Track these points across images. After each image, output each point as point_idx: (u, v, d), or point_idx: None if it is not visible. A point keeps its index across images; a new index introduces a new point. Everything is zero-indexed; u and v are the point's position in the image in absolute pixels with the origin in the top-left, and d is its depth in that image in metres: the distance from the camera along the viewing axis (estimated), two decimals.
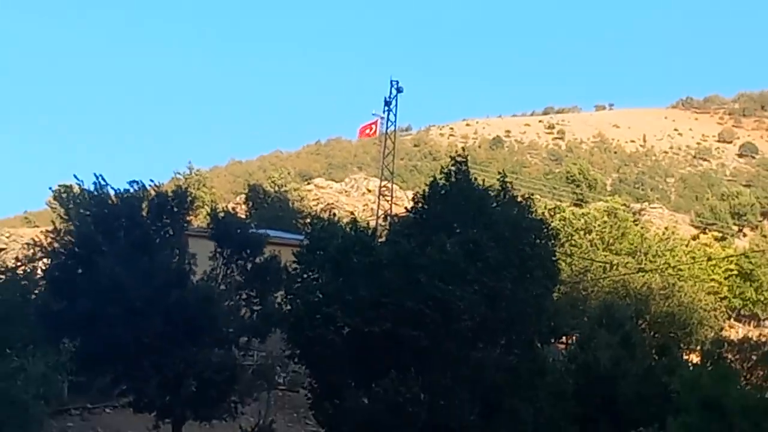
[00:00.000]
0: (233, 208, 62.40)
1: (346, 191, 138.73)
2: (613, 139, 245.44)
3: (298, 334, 39.02)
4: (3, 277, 41.87)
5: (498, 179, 45.16)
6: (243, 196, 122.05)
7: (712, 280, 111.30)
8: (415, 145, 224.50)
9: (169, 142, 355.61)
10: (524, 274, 40.71)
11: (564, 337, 67.88)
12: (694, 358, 73.34)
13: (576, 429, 43.03)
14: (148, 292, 36.77)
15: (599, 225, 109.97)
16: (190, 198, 41.87)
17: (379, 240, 43.78)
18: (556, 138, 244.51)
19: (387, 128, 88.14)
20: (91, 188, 39.34)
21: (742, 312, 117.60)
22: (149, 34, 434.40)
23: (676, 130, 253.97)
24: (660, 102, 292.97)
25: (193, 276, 39.44)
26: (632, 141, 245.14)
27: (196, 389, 36.84)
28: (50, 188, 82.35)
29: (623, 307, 69.45)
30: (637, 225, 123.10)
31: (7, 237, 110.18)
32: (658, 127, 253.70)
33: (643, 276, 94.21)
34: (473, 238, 39.43)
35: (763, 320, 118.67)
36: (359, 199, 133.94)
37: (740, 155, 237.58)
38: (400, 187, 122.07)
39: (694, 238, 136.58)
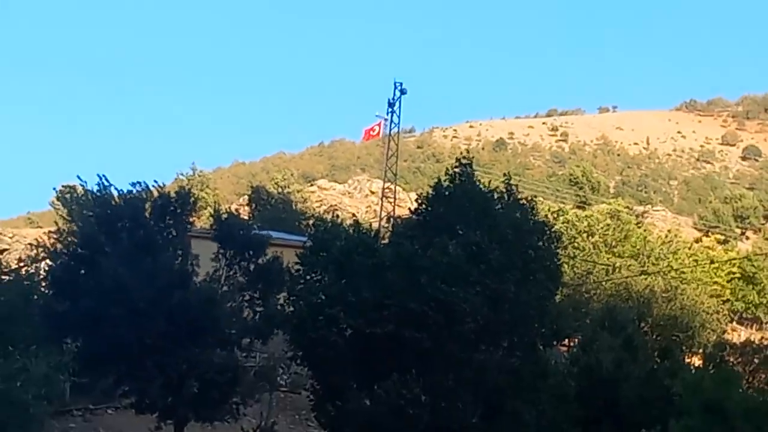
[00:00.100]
0: (236, 210, 62.52)
1: (349, 193, 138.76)
2: (616, 141, 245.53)
3: (300, 336, 39.02)
4: (6, 277, 41.84)
5: (503, 181, 45.19)
6: (246, 197, 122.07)
7: (715, 283, 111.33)
8: (419, 147, 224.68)
9: (172, 143, 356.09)
10: (527, 276, 40.71)
11: (566, 340, 67.92)
12: (697, 361, 73.28)
13: (578, 431, 43.03)
14: (151, 293, 36.79)
15: (602, 227, 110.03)
16: (193, 199, 41.90)
17: (382, 242, 43.82)
18: (560, 140, 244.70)
19: (390, 130, 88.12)
20: (95, 189, 39.40)
21: (744, 315, 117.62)
22: (152, 34, 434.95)
23: (679, 132, 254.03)
24: (663, 104, 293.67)
25: (195, 277, 39.46)
26: (635, 143, 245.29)
27: (199, 390, 36.86)
28: (54, 189, 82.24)
29: (626, 310, 69.46)
30: (640, 227, 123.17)
31: (11, 237, 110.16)
32: (662, 129, 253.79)
33: (645, 279, 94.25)
34: (476, 240, 39.43)
35: (766, 323, 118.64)
36: (362, 200, 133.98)
37: (743, 158, 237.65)
38: (403, 189, 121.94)
39: (697, 240, 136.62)
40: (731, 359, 65.96)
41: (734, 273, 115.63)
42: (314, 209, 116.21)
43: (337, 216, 54.53)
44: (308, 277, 40.65)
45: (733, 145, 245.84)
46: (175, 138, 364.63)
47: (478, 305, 37.77)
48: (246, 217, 77.34)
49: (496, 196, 43.79)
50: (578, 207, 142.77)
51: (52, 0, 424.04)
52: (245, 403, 39.53)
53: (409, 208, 46.40)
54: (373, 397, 36.92)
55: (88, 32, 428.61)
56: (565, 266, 74.96)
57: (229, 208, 72.29)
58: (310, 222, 62.60)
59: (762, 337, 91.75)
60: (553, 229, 46.38)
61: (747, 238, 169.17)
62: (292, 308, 40.22)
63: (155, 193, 40.50)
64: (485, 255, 39.05)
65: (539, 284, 41.66)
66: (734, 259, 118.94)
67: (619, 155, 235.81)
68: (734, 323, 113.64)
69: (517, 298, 39.83)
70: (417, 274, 37.51)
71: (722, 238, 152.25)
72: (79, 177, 41.10)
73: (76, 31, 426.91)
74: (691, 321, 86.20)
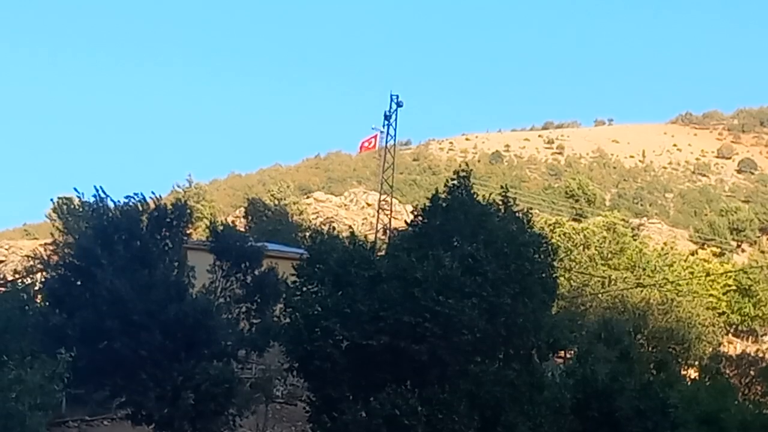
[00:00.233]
0: (232, 222, 62.73)
1: (345, 205, 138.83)
2: (612, 154, 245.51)
3: (296, 348, 39.02)
4: (2, 289, 41.93)
5: (500, 193, 45.28)
6: (242, 209, 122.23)
7: (711, 295, 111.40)
8: (415, 160, 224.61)
9: (168, 154, 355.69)
10: (523, 288, 40.71)
11: (562, 352, 67.95)
12: (693, 374, 73.62)
13: None
14: (147, 305, 36.83)
15: (598, 240, 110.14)
16: (189, 211, 41.99)
17: (379, 254, 43.83)
18: (556, 153, 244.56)
19: (386, 142, 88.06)
20: (91, 200, 39.45)
21: (740, 327, 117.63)
22: (149, 46, 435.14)
23: (675, 145, 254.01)
24: (659, 117, 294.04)
25: (191, 289, 39.49)
26: (631, 156, 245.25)
27: (195, 402, 36.86)
28: (51, 200, 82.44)
29: (621, 322, 69.71)
30: (635, 240, 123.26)
31: (7, 249, 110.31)
32: (658, 142, 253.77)
33: (641, 291, 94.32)
34: (472, 252, 39.48)
35: (762, 336, 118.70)
36: (358, 212, 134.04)
37: (739, 171, 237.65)
38: (400, 201, 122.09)
39: (693, 253, 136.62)
40: (727, 371, 66.26)
41: (730, 285, 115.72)
42: (310, 221, 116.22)
43: (334, 228, 54.62)
44: (305, 289, 40.70)
45: (729, 158, 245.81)
46: (172, 150, 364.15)
47: (474, 317, 37.79)
48: (242, 229, 77.53)
49: (492, 209, 43.85)
50: (574, 219, 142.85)
51: (49, 10, 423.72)
52: (241, 415, 39.56)
53: (405, 221, 46.46)
54: (369, 409, 36.93)
55: (85, 42, 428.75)
56: (561, 278, 75.05)
57: (226, 220, 72.53)
58: (307, 234, 62.63)
59: (758, 350, 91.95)
60: (549, 242, 46.43)
61: (743, 250, 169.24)
62: (288, 320, 40.26)
63: (152, 205, 40.58)
64: (481, 267, 39.08)
65: (535, 296, 41.66)
66: (730, 271, 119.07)
67: (614, 168, 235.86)
68: (730, 336, 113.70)
69: (513, 310, 39.86)
70: (413, 287, 37.55)
71: (718, 250, 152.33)
72: (75, 189, 41.25)
73: (73, 41, 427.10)
74: (687, 333, 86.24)
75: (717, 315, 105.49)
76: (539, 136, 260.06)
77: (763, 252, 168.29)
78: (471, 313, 37.60)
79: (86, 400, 42.24)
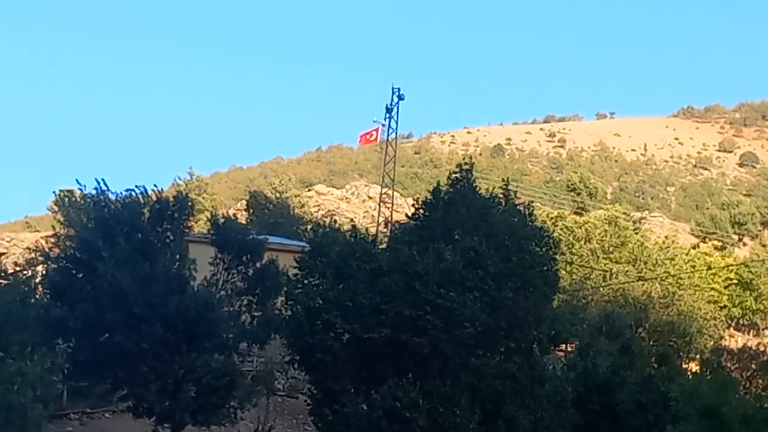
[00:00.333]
0: (234, 215, 62.71)
1: (346, 198, 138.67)
2: (613, 147, 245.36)
3: (298, 340, 39.02)
4: (3, 281, 41.87)
5: (501, 187, 45.29)
6: (244, 202, 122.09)
7: (712, 289, 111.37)
8: (416, 153, 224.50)
9: (170, 147, 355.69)
10: (524, 282, 40.72)
11: (564, 345, 67.98)
12: (694, 367, 73.53)
13: None
14: (148, 298, 36.80)
15: (599, 233, 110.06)
16: (190, 204, 41.97)
17: (380, 247, 43.83)
18: (557, 146, 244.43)
19: (388, 135, 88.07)
20: (93, 193, 39.42)
21: (741, 321, 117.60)
22: (149, 37, 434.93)
23: (677, 139, 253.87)
24: (661, 111, 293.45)
25: (193, 281, 39.47)
26: (633, 150, 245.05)
27: (196, 395, 36.84)
28: (53, 192, 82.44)
29: (623, 316, 69.69)
30: (637, 233, 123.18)
31: (8, 242, 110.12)
32: (659, 136, 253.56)
33: (642, 284, 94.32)
34: (474, 246, 39.46)
35: (763, 329, 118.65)
36: (360, 205, 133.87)
37: (741, 165, 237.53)
38: (401, 195, 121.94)
39: (694, 247, 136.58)
40: (728, 365, 66.14)
41: (731, 279, 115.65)
42: (312, 214, 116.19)
43: (335, 221, 54.66)
44: (306, 282, 40.68)
45: (731, 151, 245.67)
46: (173, 143, 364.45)
47: (476, 311, 37.77)
48: (243, 222, 77.49)
49: (494, 202, 43.85)
50: (576, 213, 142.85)
51: (52, 6, 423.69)
52: (242, 408, 39.50)
53: (407, 214, 46.45)
54: (370, 402, 36.94)
55: (87, 38, 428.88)
56: (563, 272, 75.16)
57: (227, 212, 72.47)
58: (308, 227, 62.61)
59: (759, 343, 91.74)
60: (550, 235, 46.43)
61: (744, 244, 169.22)
62: (289, 313, 40.25)
63: (153, 198, 40.55)
64: (483, 261, 39.08)
65: (536, 290, 41.69)
66: (731, 265, 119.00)
67: (616, 161, 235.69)
68: (731, 329, 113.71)
69: (515, 303, 39.87)
70: (414, 280, 37.53)
71: (719, 244, 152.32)
72: (77, 181, 41.15)
73: (75, 37, 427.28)
74: (689, 327, 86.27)
75: (718, 308, 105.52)
76: (541, 129, 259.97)
77: (764, 245, 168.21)
78: (472, 307, 37.59)
79: (87, 393, 42.20)
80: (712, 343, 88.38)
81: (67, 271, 38.89)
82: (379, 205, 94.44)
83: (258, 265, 42.25)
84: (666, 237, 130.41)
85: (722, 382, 45.78)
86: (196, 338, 37.93)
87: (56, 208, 79.02)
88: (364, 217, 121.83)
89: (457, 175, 43.93)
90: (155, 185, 41.40)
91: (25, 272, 46.47)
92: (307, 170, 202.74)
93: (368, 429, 36.73)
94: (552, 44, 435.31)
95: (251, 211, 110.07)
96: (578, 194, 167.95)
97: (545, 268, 43.26)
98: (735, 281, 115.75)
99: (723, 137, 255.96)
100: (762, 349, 77.40)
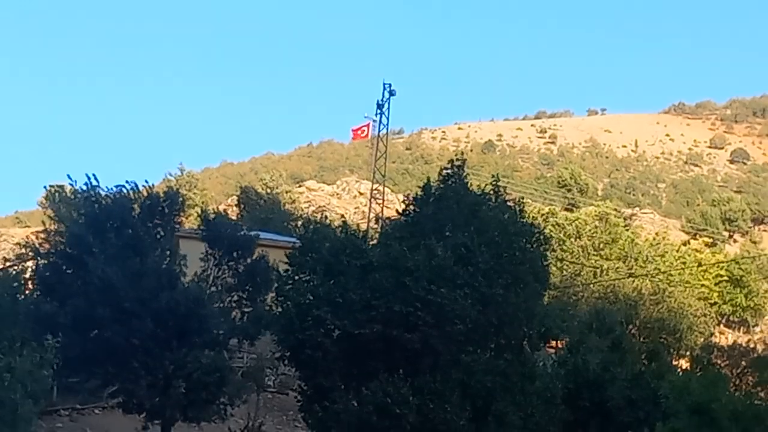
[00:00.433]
0: (224, 210, 62.56)
1: (337, 194, 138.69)
2: (604, 143, 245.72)
3: (288, 337, 38.99)
4: None
5: (491, 182, 45.26)
6: (234, 197, 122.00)
7: (703, 285, 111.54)
8: (407, 149, 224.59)
9: (160, 143, 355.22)
10: (515, 278, 40.72)
11: (554, 342, 68.05)
12: (684, 364, 73.67)
13: None
14: (139, 294, 36.77)
15: (590, 230, 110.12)
16: (181, 199, 41.94)
17: (371, 243, 43.81)
18: (548, 142, 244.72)
19: (379, 131, 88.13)
20: (83, 188, 39.35)
21: (731, 318, 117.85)
22: (139, 34, 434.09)
23: (667, 135, 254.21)
24: (652, 107, 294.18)
25: (183, 277, 39.44)
26: (624, 146, 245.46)
27: (186, 391, 36.85)
28: (44, 187, 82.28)
29: (613, 312, 69.71)
30: (627, 230, 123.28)
31: None
32: (650, 132, 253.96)
33: (633, 281, 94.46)
34: (464, 242, 39.46)
35: (753, 326, 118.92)
36: (351, 201, 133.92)
37: (732, 161, 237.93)
38: (392, 191, 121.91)
39: (685, 243, 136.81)
40: (719, 362, 66.32)
41: (722, 276, 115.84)
42: (303, 210, 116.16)
43: (326, 217, 54.64)
44: (296, 278, 40.64)
45: (722, 148, 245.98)
46: (164, 138, 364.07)
47: (467, 307, 37.77)
48: (234, 218, 77.37)
49: (485, 198, 43.84)
50: (566, 209, 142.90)
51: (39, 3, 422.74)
52: (232, 404, 39.50)
53: (398, 210, 46.43)
54: (361, 398, 36.94)
55: (75, 31, 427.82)
56: (553, 268, 75.10)
57: (218, 208, 72.33)
58: (299, 223, 62.63)
59: (749, 340, 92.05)
60: (541, 231, 46.43)
61: (735, 241, 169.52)
62: (280, 309, 40.22)
63: (144, 193, 40.49)
64: (474, 257, 39.08)
65: (527, 286, 41.67)
66: (722, 262, 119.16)
67: (607, 158, 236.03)
68: (722, 326, 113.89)
69: (505, 300, 39.86)
70: (405, 276, 37.52)
71: (710, 241, 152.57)
72: (69, 176, 41.07)
73: (63, 30, 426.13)
74: (679, 323, 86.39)
75: (709, 305, 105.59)
76: (532, 125, 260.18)
77: (754, 242, 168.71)
78: (463, 303, 37.58)
79: (77, 389, 42.13)
80: (702, 339, 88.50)
81: (58, 267, 38.84)
82: (369, 200, 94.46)
83: (248, 260, 42.20)
84: (657, 233, 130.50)
85: (712, 379, 45.87)
86: (187, 334, 37.92)
87: (46, 204, 78.84)
88: (354, 213, 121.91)
89: (449, 171, 43.93)
90: (146, 181, 41.33)
91: (15, 268, 46.36)
92: (297, 166, 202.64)
93: (358, 425, 36.73)
94: (542, 40, 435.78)
95: (242, 206, 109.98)
96: (569, 190, 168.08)
97: (536, 264, 43.25)
98: (725, 278, 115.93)
99: (714, 134, 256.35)
100: (752, 345, 77.62)
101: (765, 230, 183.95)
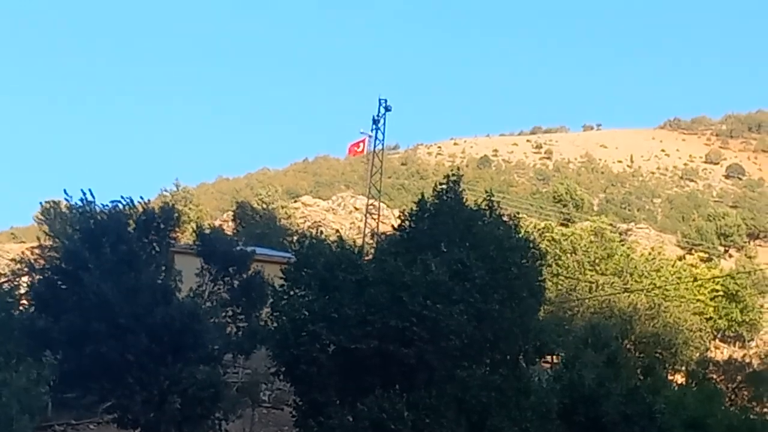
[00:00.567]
0: (220, 226, 62.67)
1: (333, 209, 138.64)
2: (600, 159, 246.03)
3: (283, 352, 38.98)
4: None
5: (485, 198, 45.31)
6: (230, 213, 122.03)
7: (698, 300, 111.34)
8: (403, 164, 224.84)
9: (156, 159, 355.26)
10: (510, 293, 40.76)
11: (550, 357, 67.96)
12: (680, 379, 73.70)
13: None
14: (134, 309, 36.76)
15: (585, 245, 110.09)
16: (176, 215, 41.98)
17: (366, 258, 43.84)
18: (544, 157, 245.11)
19: (375, 147, 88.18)
20: (79, 204, 39.38)
21: (727, 333, 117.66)
22: (138, 49, 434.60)
23: (663, 150, 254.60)
24: (648, 123, 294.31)
25: (179, 293, 39.45)
26: (619, 161, 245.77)
27: (181, 406, 36.80)
28: (40, 203, 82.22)
29: (609, 327, 69.62)
30: (623, 245, 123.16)
31: None
32: (646, 147, 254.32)
33: (628, 296, 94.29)
34: (460, 257, 39.50)
35: (749, 341, 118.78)
36: (346, 217, 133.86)
37: (727, 176, 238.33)
38: (388, 206, 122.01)
39: (680, 258, 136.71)
40: (714, 377, 66.35)
41: (717, 291, 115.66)
42: (298, 225, 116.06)
43: (321, 232, 54.49)
44: (292, 293, 40.64)
45: (717, 163, 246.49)
46: (160, 153, 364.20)
47: (462, 322, 37.80)
48: (230, 233, 77.35)
49: (480, 214, 43.90)
50: (562, 224, 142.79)
51: (34, 18, 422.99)
52: (227, 419, 39.44)
53: (393, 225, 46.48)
54: (356, 413, 36.90)
55: (73, 47, 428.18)
56: (549, 283, 75.00)
57: (213, 223, 72.35)
58: (294, 238, 62.58)
59: (745, 355, 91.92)
60: (536, 247, 46.48)
61: (730, 256, 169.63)
62: (275, 324, 40.21)
63: (139, 209, 40.52)
64: (469, 272, 39.12)
65: (522, 301, 41.71)
66: (717, 277, 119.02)
67: (602, 173, 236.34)
68: (717, 341, 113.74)
69: (501, 315, 39.90)
70: (400, 291, 37.55)
71: (705, 255, 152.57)
72: (65, 191, 41.09)
73: (60, 46, 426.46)
74: (674, 338, 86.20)
75: (704, 320, 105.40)
76: (527, 140, 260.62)
77: (750, 257, 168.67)
78: (459, 318, 37.62)
79: (73, 404, 42.12)
80: (697, 354, 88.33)
81: (53, 282, 38.85)
82: (365, 216, 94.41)
83: (244, 276, 42.23)
84: (652, 248, 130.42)
85: (708, 394, 46.01)
86: (182, 349, 37.89)
87: (42, 219, 78.80)
88: (350, 228, 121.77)
89: (444, 186, 43.99)
90: (141, 197, 41.38)
91: (10, 283, 46.31)
92: (293, 181, 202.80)
93: None
94: (538, 56, 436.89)
95: (237, 222, 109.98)
96: (564, 206, 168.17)
97: (531, 279, 43.29)
98: (721, 293, 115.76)
99: (709, 149, 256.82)
100: (747, 360, 77.62)
101: (760, 245, 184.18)
